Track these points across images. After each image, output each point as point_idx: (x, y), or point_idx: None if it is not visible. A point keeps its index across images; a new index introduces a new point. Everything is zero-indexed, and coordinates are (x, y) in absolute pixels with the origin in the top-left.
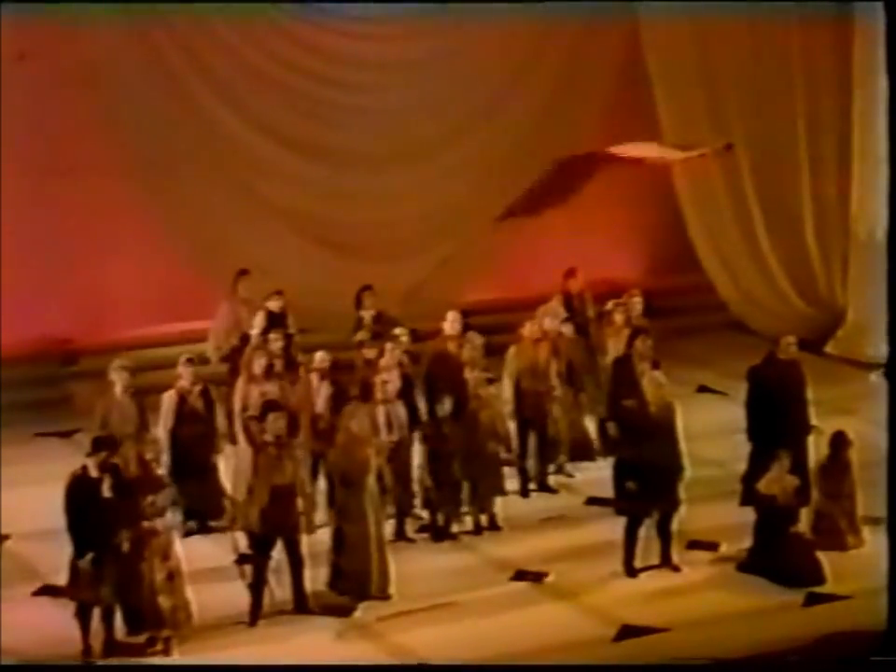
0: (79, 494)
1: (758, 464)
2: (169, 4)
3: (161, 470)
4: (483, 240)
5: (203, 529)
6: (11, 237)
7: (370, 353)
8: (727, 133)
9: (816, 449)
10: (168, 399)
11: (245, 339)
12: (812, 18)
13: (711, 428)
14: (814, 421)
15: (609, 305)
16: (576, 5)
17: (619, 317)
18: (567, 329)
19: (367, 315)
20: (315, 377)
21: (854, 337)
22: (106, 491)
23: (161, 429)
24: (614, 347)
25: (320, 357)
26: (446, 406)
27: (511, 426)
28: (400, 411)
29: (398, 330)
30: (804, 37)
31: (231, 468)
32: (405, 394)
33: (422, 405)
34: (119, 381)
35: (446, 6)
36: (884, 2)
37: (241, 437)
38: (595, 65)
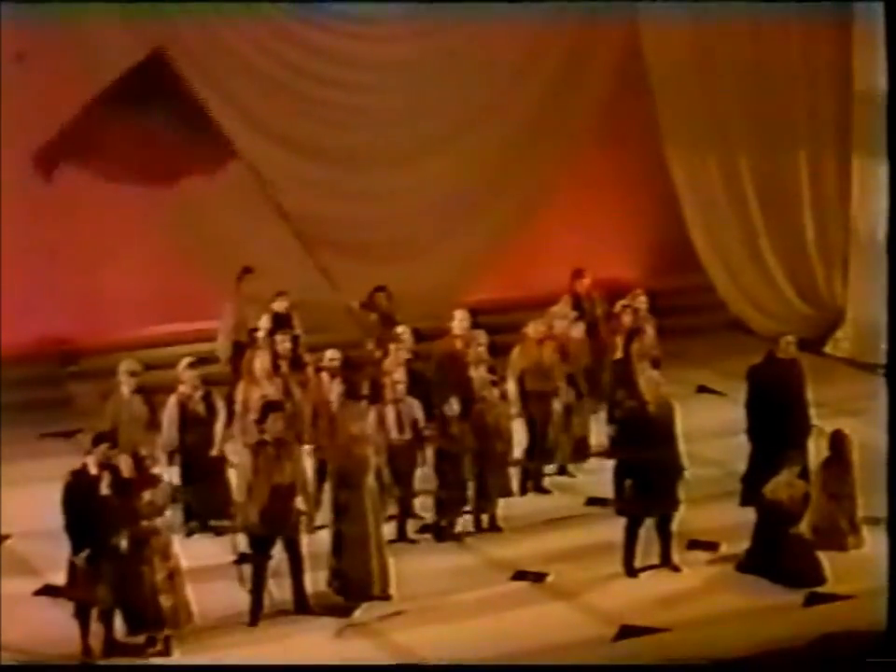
0: (78, 491)
1: (758, 464)
2: (169, 4)
3: (158, 469)
4: (483, 239)
5: (207, 531)
6: (12, 237)
7: (378, 352)
8: (727, 134)
9: (816, 449)
10: (170, 406)
11: (253, 337)
12: (812, 18)
13: (711, 428)
14: (814, 421)
15: (618, 307)
16: (576, 5)
17: (627, 319)
18: (578, 331)
19: (374, 314)
20: (325, 376)
21: (854, 337)
22: (105, 489)
23: (165, 436)
24: (622, 349)
25: (330, 354)
26: (454, 406)
27: (516, 425)
28: (413, 409)
29: (400, 329)
30: (804, 37)
31: (231, 468)
32: (413, 393)
33: (431, 404)
34: (127, 383)
35: (446, 6)
36: (884, 2)
37: (241, 437)
38: (594, 65)
